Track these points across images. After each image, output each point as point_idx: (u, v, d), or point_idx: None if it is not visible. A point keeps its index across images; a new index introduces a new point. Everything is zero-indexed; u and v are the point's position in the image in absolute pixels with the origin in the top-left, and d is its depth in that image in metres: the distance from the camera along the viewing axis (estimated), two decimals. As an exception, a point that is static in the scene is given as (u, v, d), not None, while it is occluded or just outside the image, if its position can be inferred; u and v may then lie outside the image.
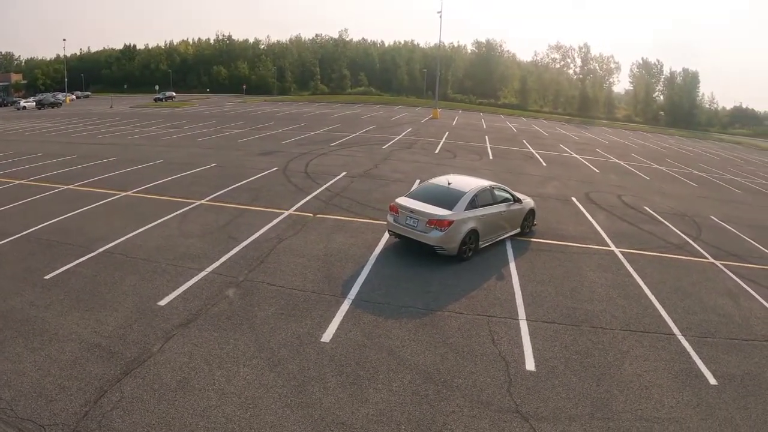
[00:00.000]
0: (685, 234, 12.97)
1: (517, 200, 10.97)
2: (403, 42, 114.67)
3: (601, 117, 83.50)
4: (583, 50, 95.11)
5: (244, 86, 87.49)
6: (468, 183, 10.31)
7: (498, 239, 10.61)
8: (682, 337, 7.54)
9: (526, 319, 7.57)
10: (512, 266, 9.63)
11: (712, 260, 11.11)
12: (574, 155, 28.56)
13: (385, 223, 11.62)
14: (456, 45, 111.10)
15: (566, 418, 5.49)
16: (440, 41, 58.47)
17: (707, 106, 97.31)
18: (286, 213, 12.24)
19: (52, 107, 58.38)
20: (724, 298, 9.18)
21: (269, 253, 9.54)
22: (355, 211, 12.82)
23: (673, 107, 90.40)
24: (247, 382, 5.60)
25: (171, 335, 6.51)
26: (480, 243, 9.93)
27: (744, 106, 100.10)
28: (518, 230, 11.19)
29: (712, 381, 6.47)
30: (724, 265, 10.82)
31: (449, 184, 10.11)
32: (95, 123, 36.85)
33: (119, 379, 5.56)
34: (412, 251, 9.81)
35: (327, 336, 6.60)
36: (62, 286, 7.95)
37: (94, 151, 21.68)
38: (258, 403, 5.28)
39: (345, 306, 7.49)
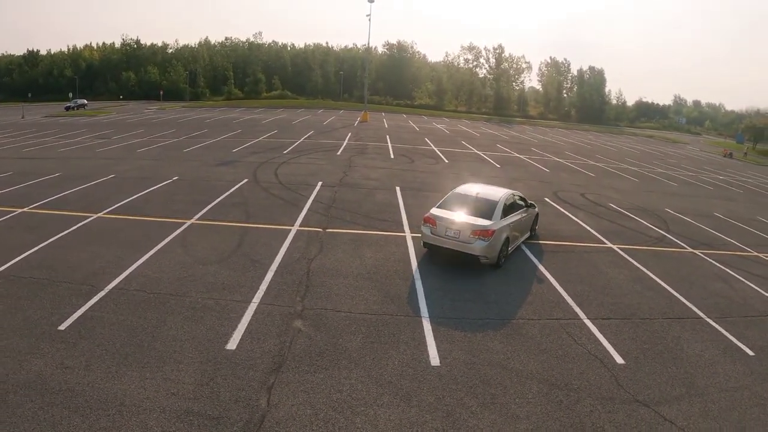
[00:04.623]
0: (657, 227, 14.54)
1: (531, 205, 11.53)
2: (313, 44, 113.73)
3: (516, 115, 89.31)
4: (498, 50, 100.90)
5: (162, 92, 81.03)
6: (494, 191, 10.63)
7: (518, 244, 11.07)
8: (709, 319, 8.57)
9: (588, 318, 8.06)
10: (542, 269, 10.12)
11: (691, 250, 12.59)
12: (517, 155, 30.45)
13: (402, 234, 11.66)
14: (367, 46, 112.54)
15: (674, 399, 6.10)
16: (368, 44, 58.98)
17: (614, 101, 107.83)
18: (294, 229, 11.66)
19: None
20: (719, 282, 10.49)
21: (307, 275, 9.04)
22: (361, 223, 12.57)
23: (584, 104, 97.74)
24: (394, 424, 5.25)
25: (270, 385, 5.77)
26: (509, 249, 10.30)
27: (649, 101, 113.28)
28: (529, 234, 11.77)
29: (750, 353, 7.57)
30: (703, 254, 12.33)
31: (477, 194, 10.34)
32: (14, 135, 32.11)
33: (249, 449, 4.79)
34: (449, 262, 9.88)
35: (434, 359, 6.46)
36: (88, 337, 6.56)
37: (31, 167, 18.89)
38: (427, 443, 5.00)
39: (427, 326, 7.37)
